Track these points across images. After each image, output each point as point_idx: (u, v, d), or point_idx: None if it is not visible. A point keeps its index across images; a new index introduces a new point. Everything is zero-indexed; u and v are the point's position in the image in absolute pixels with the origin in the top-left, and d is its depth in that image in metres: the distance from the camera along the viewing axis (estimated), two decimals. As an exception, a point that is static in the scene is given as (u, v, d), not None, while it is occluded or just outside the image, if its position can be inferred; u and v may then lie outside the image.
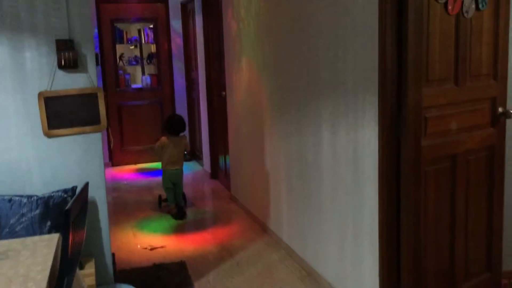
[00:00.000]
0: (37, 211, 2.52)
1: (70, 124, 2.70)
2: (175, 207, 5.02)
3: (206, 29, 5.92)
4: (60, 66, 2.63)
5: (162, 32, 7.16)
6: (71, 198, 2.61)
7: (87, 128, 2.75)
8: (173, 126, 5.06)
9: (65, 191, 2.62)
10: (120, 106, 7.07)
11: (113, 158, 7.14)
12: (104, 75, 6.91)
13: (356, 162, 2.73)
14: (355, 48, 2.66)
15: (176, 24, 7.15)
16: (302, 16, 3.24)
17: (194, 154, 7.33)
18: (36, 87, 2.66)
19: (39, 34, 2.62)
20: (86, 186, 2.08)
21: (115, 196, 5.69)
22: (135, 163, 7.19)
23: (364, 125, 2.64)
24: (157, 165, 6.95)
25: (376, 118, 2.52)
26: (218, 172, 6.09)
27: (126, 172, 6.82)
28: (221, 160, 5.90)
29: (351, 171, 2.80)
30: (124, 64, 7.32)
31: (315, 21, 3.07)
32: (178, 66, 7.22)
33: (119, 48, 7.38)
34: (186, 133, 7.28)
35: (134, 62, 7.36)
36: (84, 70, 2.72)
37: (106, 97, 6.86)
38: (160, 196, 5.34)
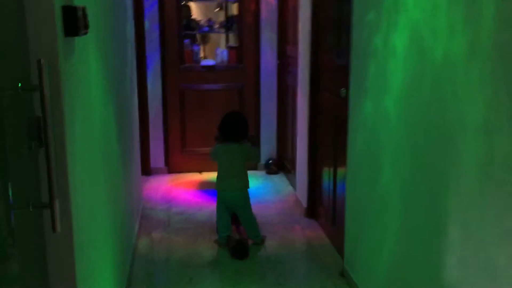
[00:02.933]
0: None
1: None
2: (235, 239, 3.44)
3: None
4: None
5: (248, -14, 4.93)
6: None
7: None
8: (224, 129, 3.54)
9: None
10: (183, 90, 4.99)
11: (170, 162, 5.12)
12: (163, 46, 4.84)
13: None
14: None
15: (269, -26, 4.89)
16: None
17: (282, 165, 5.14)
18: None
19: None
20: None
21: (157, 238, 3.64)
22: (200, 170, 5.13)
23: None
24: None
25: None
26: (318, 208, 3.85)
27: (186, 185, 4.78)
28: (326, 184, 3.66)
29: None
30: (193, 31, 5.21)
31: None
32: (268, 37, 4.97)
33: (188, 8, 5.28)
34: (273, 134, 5.11)
35: (206, 28, 5.21)
36: None
37: (163, 77, 4.84)
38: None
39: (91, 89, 1.96)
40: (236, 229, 3.63)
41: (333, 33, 3.35)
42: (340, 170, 3.29)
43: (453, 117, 1.75)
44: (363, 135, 2.67)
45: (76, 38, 1.60)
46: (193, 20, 5.16)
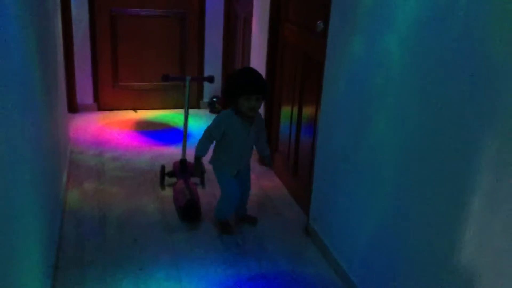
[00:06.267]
0: None
1: None
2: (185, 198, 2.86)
3: None
4: None
5: None
6: None
7: None
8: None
9: None
10: (114, 15, 4.29)
11: (100, 98, 4.49)
12: (90, -40, 4.08)
13: None
14: None
15: None
16: None
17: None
18: None
19: None
20: None
21: (89, 190, 3.11)
22: (134, 108, 4.57)
23: None
24: (171, 116, 4.43)
25: None
26: (273, 154, 3.46)
27: (119, 125, 4.21)
28: (285, 129, 3.26)
29: None
30: None
31: None
32: (216, -44, 4.34)
33: None
34: (218, 69, 4.60)
35: None
36: None
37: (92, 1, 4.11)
38: (163, 168, 3.19)
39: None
40: (187, 187, 3.06)
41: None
42: (307, 116, 2.89)
43: (497, 59, 1.36)
44: (347, 80, 2.26)
45: None
46: None
